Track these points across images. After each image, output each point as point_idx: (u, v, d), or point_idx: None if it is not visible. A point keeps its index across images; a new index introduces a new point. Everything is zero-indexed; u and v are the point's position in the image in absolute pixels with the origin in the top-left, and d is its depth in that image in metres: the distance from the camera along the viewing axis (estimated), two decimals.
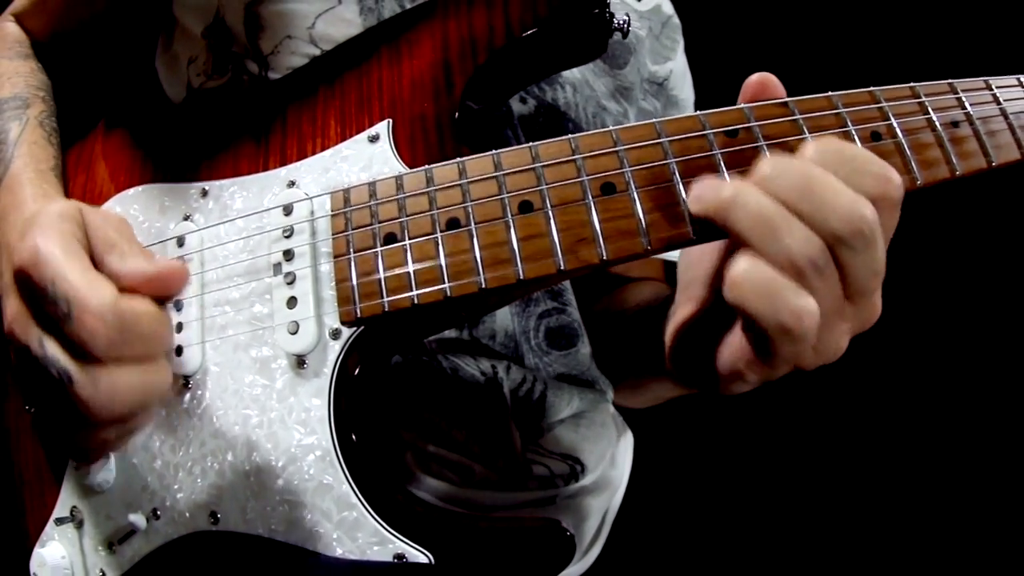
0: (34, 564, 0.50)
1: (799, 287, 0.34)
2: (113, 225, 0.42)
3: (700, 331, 0.42)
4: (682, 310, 0.44)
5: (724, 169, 0.40)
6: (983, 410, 1.20)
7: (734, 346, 0.38)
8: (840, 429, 1.24)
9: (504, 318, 0.58)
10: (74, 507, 0.50)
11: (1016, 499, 1.16)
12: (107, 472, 0.48)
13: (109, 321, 0.36)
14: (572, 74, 0.63)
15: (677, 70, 0.76)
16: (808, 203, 0.34)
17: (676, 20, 0.77)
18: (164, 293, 0.40)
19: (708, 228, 0.39)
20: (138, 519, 0.46)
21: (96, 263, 0.40)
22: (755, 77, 0.42)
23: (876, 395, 1.23)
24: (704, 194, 0.37)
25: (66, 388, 0.36)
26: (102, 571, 0.48)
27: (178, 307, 0.49)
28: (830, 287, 0.35)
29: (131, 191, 0.55)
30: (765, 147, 0.40)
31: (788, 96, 0.42)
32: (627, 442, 0.70)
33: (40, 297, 0.37)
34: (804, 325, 0.34)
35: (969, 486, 1.19)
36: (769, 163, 0.36)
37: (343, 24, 0.57)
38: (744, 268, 0.35)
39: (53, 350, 0.37)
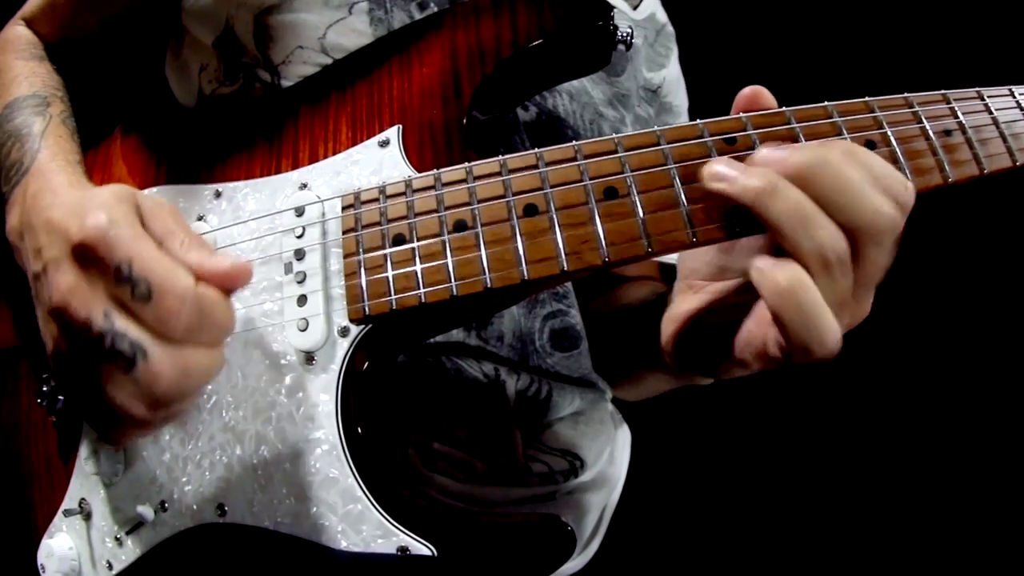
0: (42, 555, 0.51)
1: (830, 314, 0.36)
2: (169, 211, 0.42)
3: (701, 318, 0.43)
4: (682, 298, 0.45)
5: None
6: (983, 410, 1.21)
7: (746, 337, 0.40)
8: (836, 426, 1.25)
9: (512, 319, 0.59)
10: (83, 499, 0.51)
11: (1016, 499, 1.16)
12: (117, 465, 0.49)
13: (189, 305, 0.37)
14: (571, 83, 0.65)
15: (671, 77, 0.78)
16: (842, 197, 0.37)
17: (670, 28, 0.79)
18: (231, 288, 0.40)
19: (707, 233, 0.40)
20: (146, 511, 0.47)
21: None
22: (747, 90, 0.43)
23: (869, 389, 1.23)
24: (729, 176, 0.38)
25: (133, 363, 0.37)
26: (109, 562, 0.49)
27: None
28: (846, 284, 0.37)
29: (146, 192, 0.56)
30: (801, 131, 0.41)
31: (780, 105, 0.43)
32: (625, 439, 0.71)
33: (109, 275, 0.37)
34: (827, 350, 0.37)
35: (969, 486, 1.19)
36: (806, 153, 0.38)
37: (354, 34, 0.58)
38: (792, 283, 0.36)
39: (123, 324, 0.37)
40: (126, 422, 0.40)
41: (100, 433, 0.46)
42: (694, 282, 0.48)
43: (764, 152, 0.39)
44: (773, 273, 0.37)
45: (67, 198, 0.46)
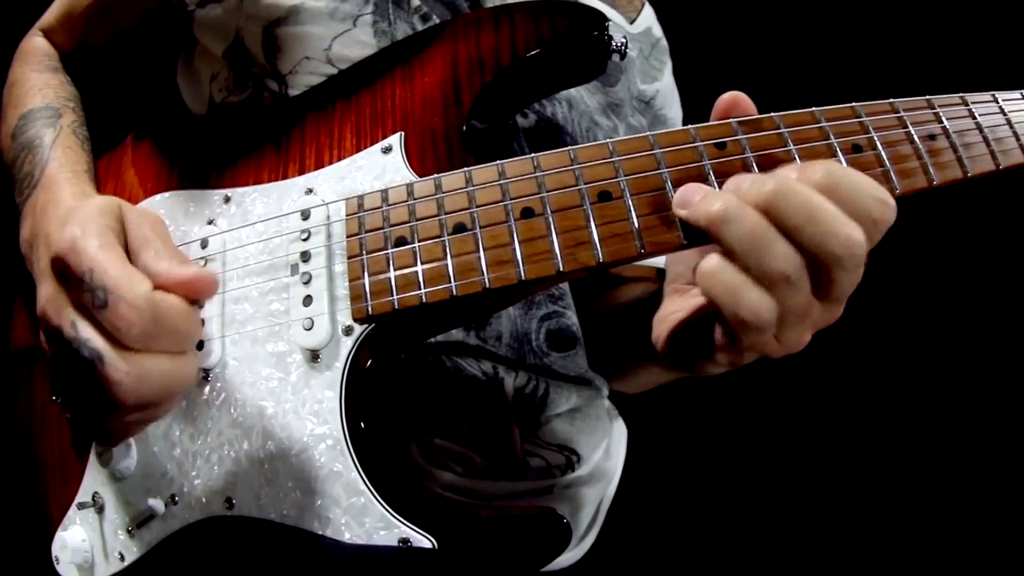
0: (56, 547, 0.52)
1: (760, 287, 0.37)
2: (150, 223, 0.44)
3: (683, 318, 0.45)
4: (670, 300, 0.47)
5: (714, 179, 0.43)
6: (983, 410, 1.21)
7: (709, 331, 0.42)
8: (831, 422, 1.25)
9: (509, 320, 0.61)
10: (96, 492, 0.52)
11: (1016, 499, 1.16)
12: (129, 459, 0.51)
13: (143, 312, 0.38)
14: (568, 91, 0.67)
15: (664, 89, 0.80)
16: (809, 227, 0.37)
17: (664, 43, 0.81)
18: (194, 297, 0.42)
19: (698, 234, 0.42)
20: (157, 504, 0.49)
21: (131, 258, 0.42)
22: (727, 96, 0.44)
23: (863, 385, 1.24)
24: (691, 202, 0.39)
25: (95, 369, 0.38)
26: (121, 554, 0.50)
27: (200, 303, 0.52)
28: (802, 295, 0.38)
29: (158, 197, 0.58)
30: (753, 159, 0.43)
31: (769, 111, 0.45)
32: (621, 434, 0.73)
33: (76, 284, 0.40)
34: (761, 320, 0.37)
35: (969, 486, 1.19)
36: (773, 182, 0.38)
37: (358, 46, 0.60)
38: (714, 265, 0.38)
39: (86, 331, 0.39)
40: (104, 424, 0.42)
41: (88, 433, 0.48)
42: (680, 286, 0.50)
43: (734, 179, 0.40)
44: (701, 263, 0.38)
45: (63, 211, 0.48)
